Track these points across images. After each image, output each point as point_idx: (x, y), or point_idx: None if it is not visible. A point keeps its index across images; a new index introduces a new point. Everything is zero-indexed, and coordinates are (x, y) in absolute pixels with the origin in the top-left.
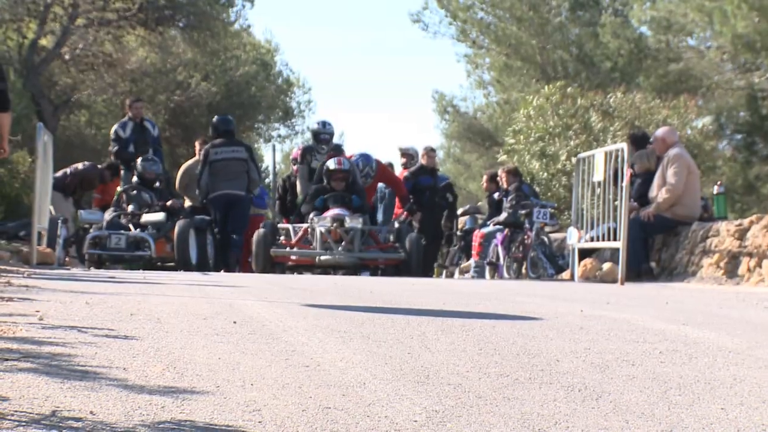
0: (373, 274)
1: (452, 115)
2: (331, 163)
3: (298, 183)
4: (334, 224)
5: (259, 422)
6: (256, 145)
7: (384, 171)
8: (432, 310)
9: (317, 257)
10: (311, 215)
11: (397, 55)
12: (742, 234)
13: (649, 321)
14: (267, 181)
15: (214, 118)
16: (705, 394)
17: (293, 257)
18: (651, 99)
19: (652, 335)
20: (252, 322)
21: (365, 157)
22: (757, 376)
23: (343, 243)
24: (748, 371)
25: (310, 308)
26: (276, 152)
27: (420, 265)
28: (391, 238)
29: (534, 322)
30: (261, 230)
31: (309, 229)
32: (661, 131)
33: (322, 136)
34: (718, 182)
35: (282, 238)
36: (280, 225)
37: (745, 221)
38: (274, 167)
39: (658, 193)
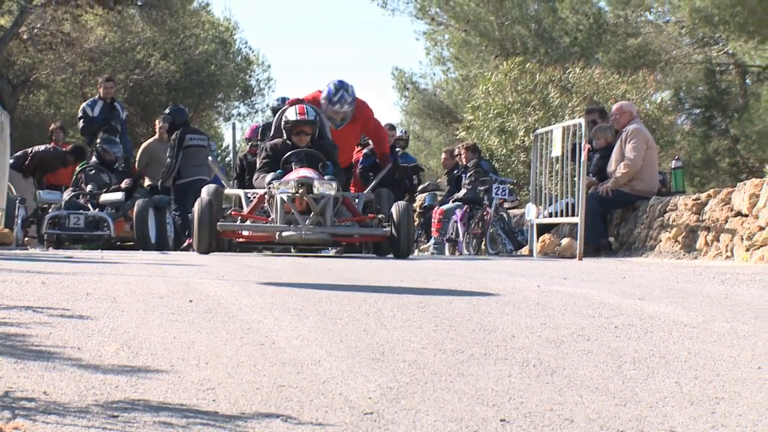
0: (347, 251)
1: (412, 92)
2: (291, 113)
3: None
4: (300, 190)
5: (213, 400)
6: (215, 124)
7: (370, 117)
8: (389, 287)
9: (277, 233)
10: (268, 178)
11: (356, 33)
12: (699, 208)
13: (606, 296)
14: (227, 160)
15: (169, 110)
16: (659, 368)
17: (246, 233)
18: (610, 74)
19: (608, 310)
20: (208, 300)
21: (339, 82)
22: (712, 350)
23: (311, 215)
24: (703, 345)
25: (267, 286)
26: (236, 131)
27: (411, 242)
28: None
29: (491, 298)
30: (204, 197)
31: (267, 197)
32: (618, 106)
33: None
34: (676, 156)
35: (231, 209)
36: (227, 191)
37: (703, 195)
38: (234, 146)
39: (616, 168)
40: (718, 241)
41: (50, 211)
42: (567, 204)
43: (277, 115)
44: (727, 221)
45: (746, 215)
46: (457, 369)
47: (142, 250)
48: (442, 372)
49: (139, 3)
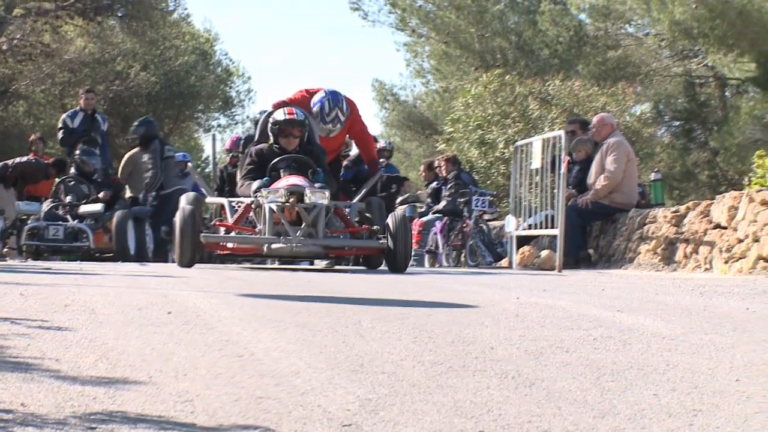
0: (336, 264)
1: (392, 103)
2: (280, 114)
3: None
4: (290, 199)
5: (192, 412)
6: (195, 135)
7: (357, 119)
8: (368, 299)
9: (266, 245)
10: (254, 185)
11: (336, 45)
12: (678, 220)
13: (585, 308)
14: (207, 170)
15: (140, 122)
16: (638, 380)
17: (231, 245)
18: (589, 86)
19: (587, 322)
20: (187, 312)
21: (333, 96)
22: (690, 362)
23: (302, 226)
24: (681, 357)
25: (246, 298)
26: (216, 142)
27: (409, 255)
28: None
29: (470, 310)
30: (185, 207)
31: (253, 206)
32: (599, 118)
33: None
34: (656, 169)
35: (213, 219)
36: (209, 199)
37: (682, 208)
38: (214, 157)
39: (596, 180)
40: (697, 253)
41: (29, 222)
42: (546, 216)
43: (262, 117)
44: (706, 233)
45: (725, 227)
46: (435, 381)
47: (121, 262)
48: (420, 384)
49: (119, 14)
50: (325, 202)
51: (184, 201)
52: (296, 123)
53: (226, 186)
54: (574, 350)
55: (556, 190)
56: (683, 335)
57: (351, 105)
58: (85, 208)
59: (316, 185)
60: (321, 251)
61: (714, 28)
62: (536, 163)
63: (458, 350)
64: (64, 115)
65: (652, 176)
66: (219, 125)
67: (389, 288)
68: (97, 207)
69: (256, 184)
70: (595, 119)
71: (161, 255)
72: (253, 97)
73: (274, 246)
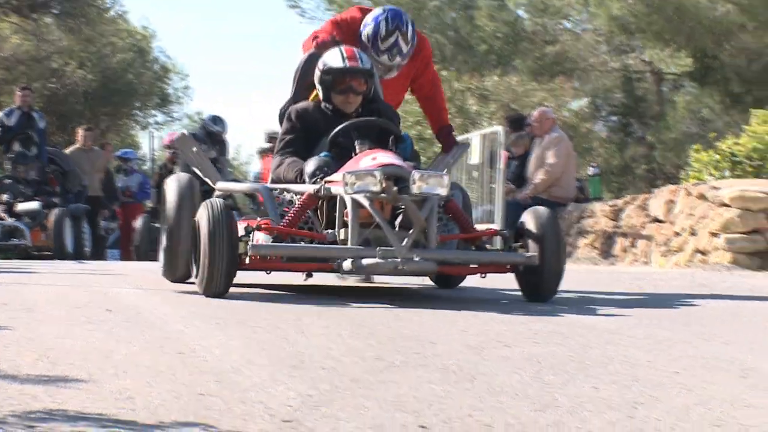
0: (439, 282)
1: None
2: (335, 58)
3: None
4: (384, 185)
5: (132, 410)
6: (132, 132)
7: (428, 60)
8: (310, 295)
9: (349, 260)
10: (310, 166)
11: (274, 42)
12: (616, 214)
13: (525, 302)
14: (144, 168)
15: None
16: (578, 373)
17: (295, 256)
18: (527, 81)
19: (527, 316)
20: (127, 309)
21: (394, 15)
22: (629, 355)
23: (410, 231)
24: (621, 350)
25: (187, 295)
26: (154, 139)
27: (561, 272)
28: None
29: (410, 306)
30: (213, 201)
31: (320, 198)
32: (540, 112)
33: (213, 130)
34: (594, 164)
35: (250, 217)
36: (221, 185)
37: (620, 201)
38: (152, 155)
39: (535, 174)
40: (634, 246)
41: None
42: (485, 211)
43: (301, 63)
44: (643, 227)
45: (662, 221)
46: (376, 376)
47: (59, 260)
48: (362, 379)
49: (56, 11)
50: (444, 192)
51: (186, 186)
52: (360, 72)
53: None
54: (515, 345)
55: (494, 185)
56: (622, 329)
57: (422, 39)
58: (22, 207)
59: (411, 164)
60: (434, 268)
61: (651, 23)
62: (475, 158)
63: (399, 346)
64: (0, 113)
65: (590, 171)
66: (156, 122)
67: (330, 284)
68: (34, 205)
69: (312, 163)
70: (535, 113)
71: (99, 254)
72: (190, 95)
73: (366, 262)
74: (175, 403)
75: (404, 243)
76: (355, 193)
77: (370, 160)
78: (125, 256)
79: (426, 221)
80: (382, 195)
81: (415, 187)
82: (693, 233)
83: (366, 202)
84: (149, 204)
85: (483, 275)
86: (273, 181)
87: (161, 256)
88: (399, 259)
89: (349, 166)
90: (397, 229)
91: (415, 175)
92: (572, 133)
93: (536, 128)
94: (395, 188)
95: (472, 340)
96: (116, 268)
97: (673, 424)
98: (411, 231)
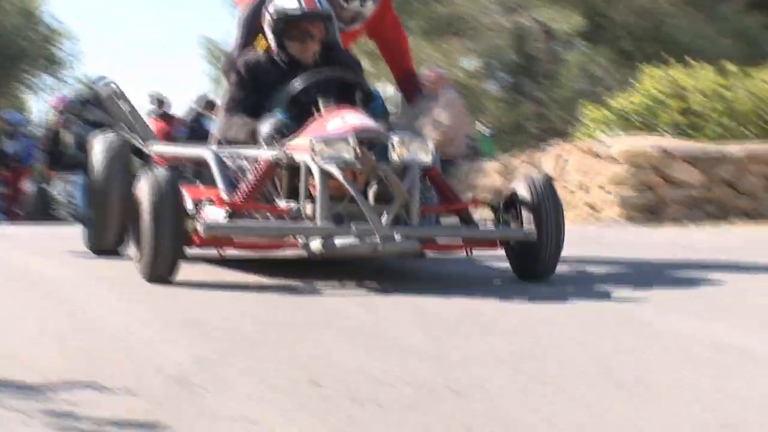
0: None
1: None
2: (289, 1)
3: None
4: (359, 153)
5: (20, 370)
6: (22, 96)
7: (389, 5)
8: (209, 260)
9: (317, 239)
10: (265, 128)
11: (163, 4)
12: (509, 172)
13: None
14: (38, 135)
15: None
16: (474, 329)
17: (254, 238)
18: (419, 41)
19: (419, 272)
20: (14, 270)
21: None
22: (514, 309)
23: (370, 194)
24: (509, 305)
25: (80, 258)
26: (45, 103)
27: (560, 248)
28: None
29: (309, 266)
30: (158, 173)
31: (281, 166)
32: (431, 73)
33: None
34: (488, 124)
35: (194, 183)
36: (156, 148)
37: (513, 160)
38: (45, 120)
39: (429, 133)
40: None
41: None
42: None
43: (248, 9)
44: None
45: (555, 179)
46: (274, 338)
47: None
48: (258, 341)
49: None
50: (429, 159)
51: (116, 146)
52: (317, 16)
53: (58, 146)
54: (413, 302)
55: None
56: (511, 284)
57: None
58: None
59: (381, 122)
60: (418, 249)
61: None
62: None
63: (296, 306)
64: None
65: (485, 131)
66: (47, 85)
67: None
68: None
69: (269, 124)
70: (430, 73)
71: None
72: (81, 58)
73: (340, 242)
74: (64, 362)
75: (383, 219)
76: (325, 161)
77: (340, 121)
78: (12, 219)
79: (408, 193)
80: (359, 166)
81: (396, 155)
82: (585, 189)
83: (338, 173)
84: (39, 166)
85: (469, 254)
86: (219, 144)
87: (82, 223)
88: (378, 239)
89: (314, 129)
90: (372, 202)
91: (395, 139)
92: (465, 92)
93: (429, 87)
94: (373, 157)
95: (367, 300)
96: (4, 230)
97: (558, 373)
98: (391, 205)
